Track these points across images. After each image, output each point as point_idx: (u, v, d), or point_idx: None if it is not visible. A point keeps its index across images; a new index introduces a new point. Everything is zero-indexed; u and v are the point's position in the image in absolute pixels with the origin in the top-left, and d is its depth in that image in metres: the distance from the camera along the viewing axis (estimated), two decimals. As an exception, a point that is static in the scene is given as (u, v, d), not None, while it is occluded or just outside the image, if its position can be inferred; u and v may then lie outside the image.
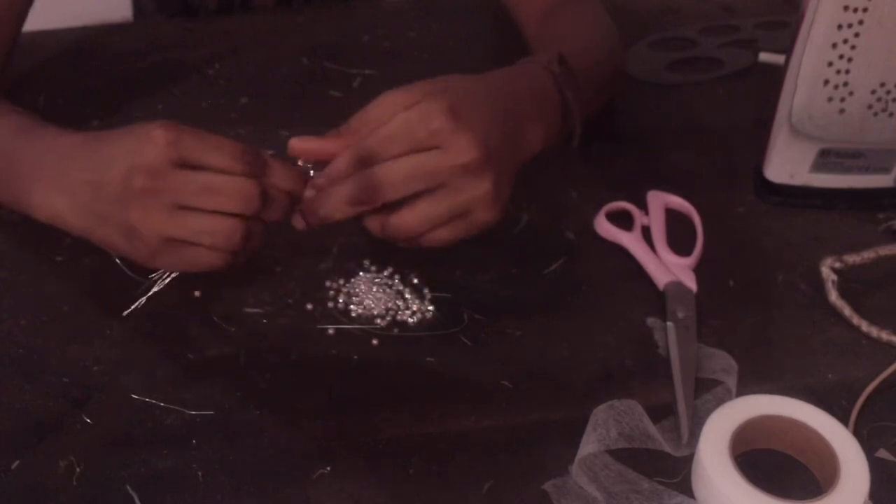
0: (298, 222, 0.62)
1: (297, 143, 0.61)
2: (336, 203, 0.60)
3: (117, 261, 0.71)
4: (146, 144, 0.58)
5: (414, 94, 0.61)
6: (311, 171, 0.62)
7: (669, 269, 0.73)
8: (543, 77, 0.70)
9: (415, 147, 0.58)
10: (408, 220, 0.60)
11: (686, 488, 0.59)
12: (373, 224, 0.61)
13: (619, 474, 0.60)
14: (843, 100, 0.73)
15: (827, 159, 0.77)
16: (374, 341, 0.68)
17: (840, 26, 0.70)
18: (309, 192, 0.61)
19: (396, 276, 0.73)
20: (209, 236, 0.60)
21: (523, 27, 0.90)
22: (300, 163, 0.62)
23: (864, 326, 0.69)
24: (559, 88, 0.70)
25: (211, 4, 1.08)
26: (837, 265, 0.72)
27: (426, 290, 0.72)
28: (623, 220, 0.78)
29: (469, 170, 0.59)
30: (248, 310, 0.70)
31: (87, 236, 0.65)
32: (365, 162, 0.59)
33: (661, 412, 0.63)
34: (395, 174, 0.59)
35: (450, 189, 0.59)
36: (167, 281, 0.64)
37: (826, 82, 0.73)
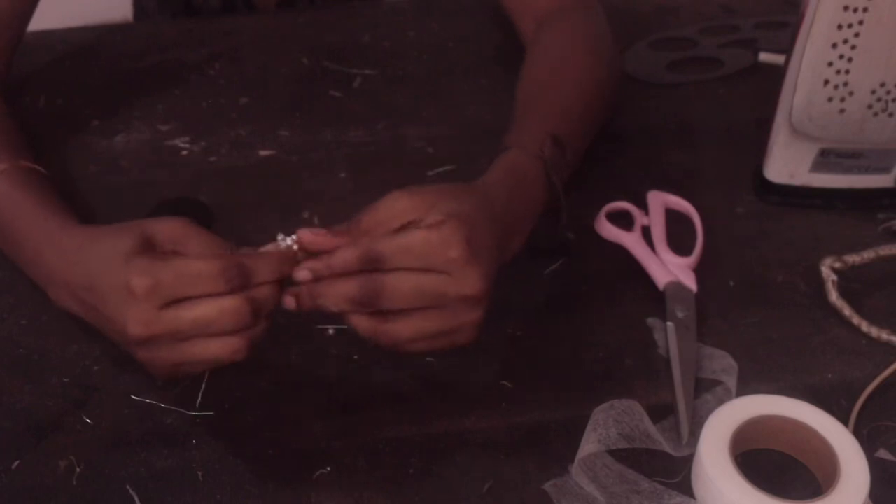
0: (290, 303, 0.61)
1: (308, 237, 0.60)
2: (335, 297, 0.59)
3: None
4: (129, 302, 0.57)
5: (427, 204, 0.60)
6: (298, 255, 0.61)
7: (669, 269, 0.73)
8: (535, 170, 0.70)
9: (427, 267, 0.59)
10: (400, 331, 0.60)
11: (686, 488, 0.59)
12: (361, 324, 0.61)
13: (619, 474, 0.60)
14: (843, 100, 0.73)
15: (827, 159, 0.77)
16: (374, 341, 0.68)
17: (840, 26, 0.70)
18: (303, 274, 0.60)
19: (396, 276, 0.73)
20: (217, 352, 0.58)
21: (520, 34, 0.89)
22: (295, 246, 0.60)
23: (864, 326, 0.69)
24: (547, 175, 0.70)
25: (213, 4, 1.08)
26: (837, 265, 0.72)
27: (426, 290, 0.72)
28: (623, 220, 0.78)
29: (470, 301, 0.60)
30: (248, 310, 0.70)
31: None
32: (372, 263, 0.59)
33: (661, 412, 0.63)
34: (402, 288, 0.59)
35: (446, 312, 0.60)
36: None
37: (826, 82, 0.73)
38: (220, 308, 0.57)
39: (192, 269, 0.56)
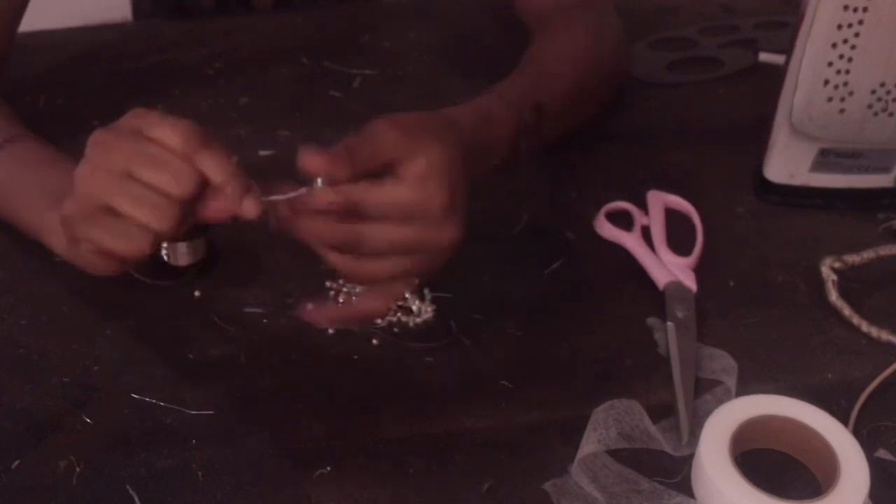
0: (251, 211, 0.59)
1: (311, 160, 0.60)
2: (314, 235, 0.60)
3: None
4: (83, 161, 0.59)
5: (414, 143, 0.61)
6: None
7: (669, 269, 0.73)
8: (504, 112, 0.72)
9: (408, 220, 0.60)
10: (374, 270, 0.62)
11: (686, 488, 0.59)
12: (335, 260, 0.62)
13: (619, 474, 0.60)
14: (843, 100, 0.73)
15: (827, 159, 0.77)
16: (374, 341, 0.68)
17: (840, 26, 0.70)
18: (283, 210, 0.60)
19: (396, 276, 0.73)
20: (148, 210, 0.58)
21: (527, 27, 0.90)
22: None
23: (864, 326, 0.69)
24: (517, 138, 0.72)
25: (206, 4, 1.07)
26: (837, 265, 0.72)
27: (426, 291, 0.72)
28: (623, 220, 0.78)
29: (446, 250, 0.62)
30: (248, 310, 0.71)
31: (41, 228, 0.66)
32: (353, 210, 0.60)
33: (661, 412, 0.63)
34: (382, 238, 0.60)
35: (422, 255, 0.62)
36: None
37: (826, 82, 0.73)
38: (180, 164, 0.57)
39: (172, 120, 0.58)
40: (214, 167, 0.58)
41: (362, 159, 0.60)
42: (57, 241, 0.64)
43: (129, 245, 0.58)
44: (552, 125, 0.76)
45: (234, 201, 0.59)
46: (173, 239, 0.62)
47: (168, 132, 0.58)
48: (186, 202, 0.58)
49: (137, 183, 0.57)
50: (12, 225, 0.72)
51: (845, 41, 0.71)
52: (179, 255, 0.65)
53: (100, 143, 0.59)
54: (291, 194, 0.60)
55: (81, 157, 0.60)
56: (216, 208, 0.59)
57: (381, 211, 0.60)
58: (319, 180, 0.59)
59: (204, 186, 0.58)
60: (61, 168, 0.69)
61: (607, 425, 0.62)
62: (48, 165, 0.71)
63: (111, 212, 0.58)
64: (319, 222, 0.60)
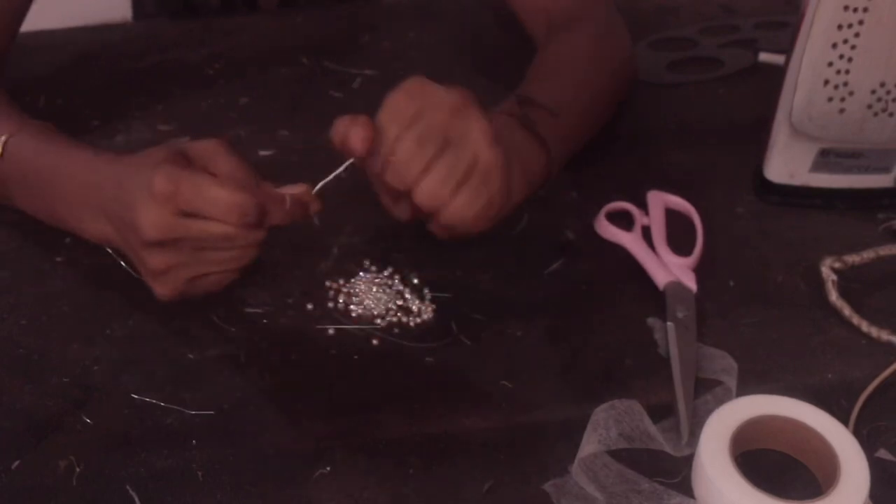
0: (316, 209, 0.65)
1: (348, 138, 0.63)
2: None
3: (120, 261, 0.71)
4: (148, 204, 0.60)
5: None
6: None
7: (669, 269, 0.73)
8: (542, 161, 0.73)
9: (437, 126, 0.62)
10: (427, 183, 0.62)
11: (686, 488, 0.59)
12: (403, 212, 0.65)
13: (619, 474, 0.60)
14: (843, 100, 0.73)
15: (827, 159, 0.77)
16: (374, 341, 0.68)
17: (840, 26, 0.70)
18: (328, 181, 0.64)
19: (396, 276, 0.73)
20: (231, 264, 0.64)
21: (531, 35, 0.90)
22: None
23: (864, 326, 0.69)
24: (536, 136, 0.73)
25: (213, 3, 1.08)
26: (837, 265, 0.72)
27: (426, 290, 0.72)
28: (623, 220, 0.78)
29: (459, 112, 0.62)
30: (248, 310, 0.71)
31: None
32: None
33: (661, 412, 0.63)
34: (406, 150, 0.62)
35: (452, 144, 0.62)
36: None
37: (826, 82, 0.73)
38: (230, 233, 0.61)
39: (213, 193, 0.60)
40: (277, 221, 0.63)
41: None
42: (101, 243, 0.68)
43: (226, 284, 0.65)
44: (570, 113, 0.76)
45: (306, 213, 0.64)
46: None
47: (222, 213, 0.60)
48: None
49: (214, 252, 0.62)
50: (36, 210, 0.72)
51: (845, 41, 0.71)
52: None
53: (158, 242, 0.61)
54: (338, 171, 0.64)
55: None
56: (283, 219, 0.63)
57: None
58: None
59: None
60: (80, 160, 0.70)
61: (607, 425, 0.62)
62: (67, 156, 0.71)
63: (202, 276, 0.63)
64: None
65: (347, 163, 0.63)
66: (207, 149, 0.62)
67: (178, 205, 0.59)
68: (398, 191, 0.62)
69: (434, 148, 0.61)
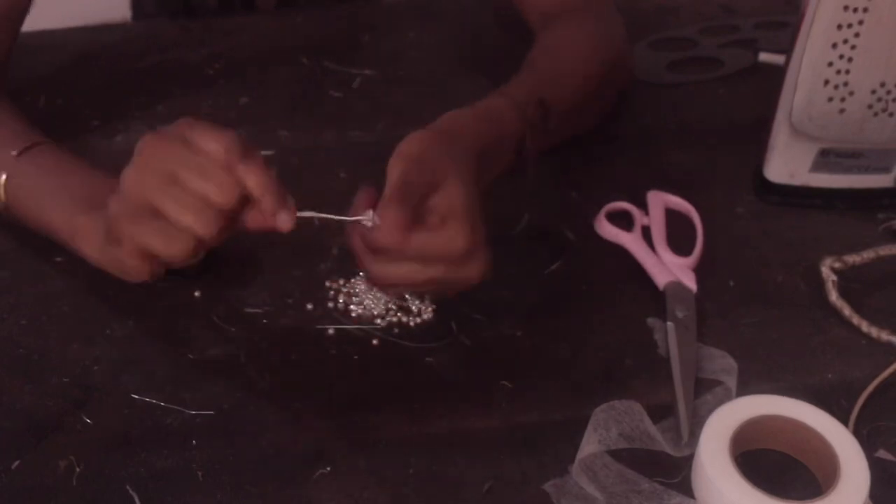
0: (284, 224, 0.62)
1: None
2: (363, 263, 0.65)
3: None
4: (133, 164, 0.61)
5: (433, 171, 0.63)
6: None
7: (669, 269, 0.73)
8: (509, 113, 0.73)
9: (436, 261, 0.63)
10: (392, 274, 0.63)
11: (686, 488, 0.59)
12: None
13: (619, 474, 0.60)
14: (843, 100, 0.73)
15: (827, 159, 0.78)
16: (374, 341, 0.68)
17: (840, 26, 0.70)
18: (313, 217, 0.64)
19: (396, 276, 0.73)
20: (192, 215, 0.60)
21: (530, 28, 0.90)
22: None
23: (864, 326, 0.69)
24: (523, 136, 0.73)
25: (211, 4, 1.08)
26: (837, 265, 0.72)
27: (426, 290, 0.72)
28: (623, 220, 0.78)
29: (474, 282, 0.64)
30: (248, 310, 0.71)
31: (82, 237, 0.67)
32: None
33: (661, 412, 0.63)
34: (411, 279, 0.63)
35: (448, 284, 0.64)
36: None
37: (826, 82, 0.73)
38: (224, 176, 0.60)
39: (218, 132, 0.60)
40: (253, 180, 0.60)
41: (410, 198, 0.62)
42: (89, 246, 0.66)
43: (172, 246, 0.60)
44: (558, 123, 0.77)
45: (269, 215, 0.61)
46: (215, 245, 0.63)
47: (212, 143, 0.60)
48: (228, 212, 0.60)
49: (183, 189, 0.60)
50: (38, 230, 0.72)
51: (845, 41, 0.71)
52: None
53: (148, 147, 0.61)
54: (332, 217, 0.63)
55: (97, 162, 0.61)
56: (253, 220, 0.62)
57: (407, 253, 0.62)
58: (371, 212, 0.62)
59: (245, 198, 0.61)
60: (87, 174, 0.71)
61: (607, 425, 0.62)
62: (72, 171, 0.72)
63: (156, 214, 0.60)
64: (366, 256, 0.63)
65: (351, 218, 0.63)
66: (188, 125, 0.62)
67: (185, 131, 0.60)
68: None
69: (428, 287, 0.64)
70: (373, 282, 0.67)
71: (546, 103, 0.75)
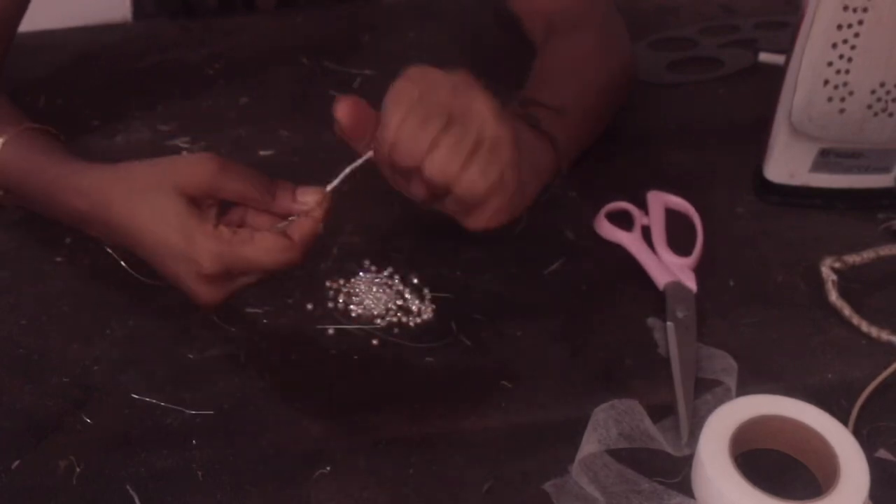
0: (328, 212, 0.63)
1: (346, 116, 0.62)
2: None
3: (120, 261, 0.71)
4: (199, 281, 0.61)
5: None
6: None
7: (669, 269, 0.73)
8: (550, 169, 0.73)
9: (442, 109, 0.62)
10: (436, 157, 0.60)
11: (686, 488, 0.59)
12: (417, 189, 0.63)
13: (619, 474, 0.60)
14: (843, 100, 0.73)
15: (827, 159, 0.77)
16: (374, 341, 0.68)
17: (840, 26, 0.70)
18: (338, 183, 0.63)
19: (396, 276, 0.73)
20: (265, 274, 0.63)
21: (530, 34, 0.89)
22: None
23: (864, 326, 0.69)
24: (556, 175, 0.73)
25: (211, 4, 1.08)
26: (837, 265, 0.72)
27: (426, 290, 0.72)
28: (623, 220, 0.78)
29: (461, 90, 0.63)
30: (248, 310, 0.70)
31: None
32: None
33: (661, 412, 0.63)
34: (412, 128, 0.61)
35: (457, 120, 0.61)
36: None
37: (826, 82, 0.73)
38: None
39: (259, 259, 0.60)
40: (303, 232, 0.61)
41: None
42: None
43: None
44: (575, 111, 0.76)
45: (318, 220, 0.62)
46: None
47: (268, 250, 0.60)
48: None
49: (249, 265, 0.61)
50: (34, 209, 0.72)
51: (845, 41, 0.71)
52: None
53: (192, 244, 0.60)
54: (347, 171, 0.63)
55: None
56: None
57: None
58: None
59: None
60: (77, 166, 0.69)
61: (607, 425, 0.62)
62: (60, 168, 0.70)
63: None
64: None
65: (363, 158, 0.63)
66: (204, 182, 0.61)
67: (228, 272, 0.61)
68: (408, 170, 0.61)
69: (439, 124, 0.60)
70: (403, 158, 0.62)
71: (533, 100, 0.75)
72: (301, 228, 0.61)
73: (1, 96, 0.78)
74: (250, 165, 0.83)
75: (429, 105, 0.61)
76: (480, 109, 0.61)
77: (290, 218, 0.62)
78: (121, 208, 0.63)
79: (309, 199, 0.62)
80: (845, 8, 0.69)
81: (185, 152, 0.85)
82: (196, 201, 0.61)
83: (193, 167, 0.61)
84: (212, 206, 0.62)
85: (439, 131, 0.60)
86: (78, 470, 0.60)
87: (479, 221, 0.63)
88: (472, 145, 0.60)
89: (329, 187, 0.62)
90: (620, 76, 0.85)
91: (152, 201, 0.61)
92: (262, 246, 0.60)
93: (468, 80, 0.62)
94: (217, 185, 0.61)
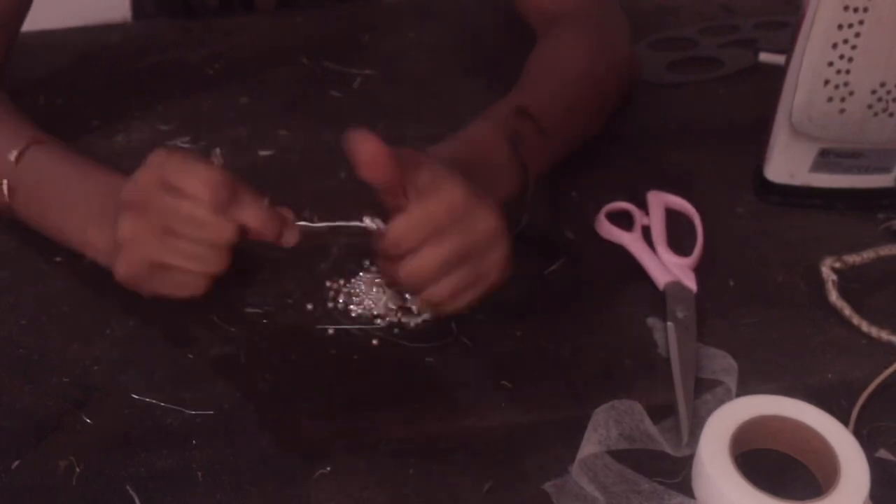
0: (290, 241, 0.64)
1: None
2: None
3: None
4: (141, 167, 0.62)
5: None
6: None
7: (669, 269, 0.73)
8: (497, 140, 0.72)
9: (439, 228, 0.61)
10: (436, 290, 0.63)
11: (686, 488, 0.59)
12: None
13: (619, 474, 0.60)
14: (843, 100, 0.73)
15: (827, 159, 0.77)
16: (374, 341, 0.68)
17: (840, 26, 0.70)
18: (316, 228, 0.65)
19: (396, 276, 0.73)
20: (199, 262, 0.62)
21: (532, 27, 0.90)
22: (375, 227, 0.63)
23: (864, 326, 0.69)
24: (511, 146, 0.72)
25: (211, 4, 1.08)
26: (837, 265, 0.72)
27: (426, 290, 0.72)
28: (623, 220, 0.78)
29: (490, 237, 0.63)
30: (248, 310, 0.71)
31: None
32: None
33: (661, 412, 0.63)
34: (431, 262, 0.62)
35: (472, 262, 0.63)
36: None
37: (826, 82, 0.73)
38: (212, 219, 0.60)
39: (195, 166, 0.60)
40: (249, 217, 0.62)
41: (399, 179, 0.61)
42: (103, 262, 0.67)
43: (187, 290, 0.64)
44: (557, 133, 0.76)
45: (275, 239, 0.63)
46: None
47: (197, 188, 0.60)
48: (231, 244, 0.62)
49: (182, 239, 0.61)
50: (44, 232, 0.72)
51: (845, 41, 0.71)
52: None
53: (133, 205, 0.62)
54: (329, 224, 0.64)
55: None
56: (257, 236, 0.63)
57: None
58: (367, 219, 0.63)
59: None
60: (91, 174, 0.71)
61: (608, 426, 0.62)
62: (78, 170, 0.72)
63: (163, 266, 0.62)
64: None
65: (352, 223, 0.64)
66: (163, 166, 0.62)
67: (163, 174, 0.60)
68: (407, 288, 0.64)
69: (455, 266, 0.62)
70: (408, 286, 0.64)
71: (526, 111, 0.74)
72: (248, 203, 0.61)
73: (9, 103, 0.78)
74: (250, 165, 0.84)
75: (455, 245, 0.61)
76: (497, 261, 0.64)
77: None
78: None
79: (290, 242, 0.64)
80: (845, 8, 0.69)
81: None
82: None
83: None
84: None
85: (451, 269, 0.62)
86: (78, 470, 0.60)
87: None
88: (472, 282, 0.64)
89: (301, 224, 0.64)
90: (618, 72, 0.85)
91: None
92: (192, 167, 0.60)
93: (501, 228, 0.63)
94: (226, 177, 0.61)
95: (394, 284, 0.65)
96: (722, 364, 0.66)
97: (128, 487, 0.59)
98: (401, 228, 0.61)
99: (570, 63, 0.81)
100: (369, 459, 0.61)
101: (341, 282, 0.72)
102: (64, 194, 0.71)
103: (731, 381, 0.65)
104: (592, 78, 0.81)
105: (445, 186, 0.61)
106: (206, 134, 0.87)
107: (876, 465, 0.58)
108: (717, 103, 0.93)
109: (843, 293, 0.71)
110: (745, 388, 0.65)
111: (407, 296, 0.71)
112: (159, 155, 0.62)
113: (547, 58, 0.82)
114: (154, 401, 0.64)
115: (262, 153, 0.85)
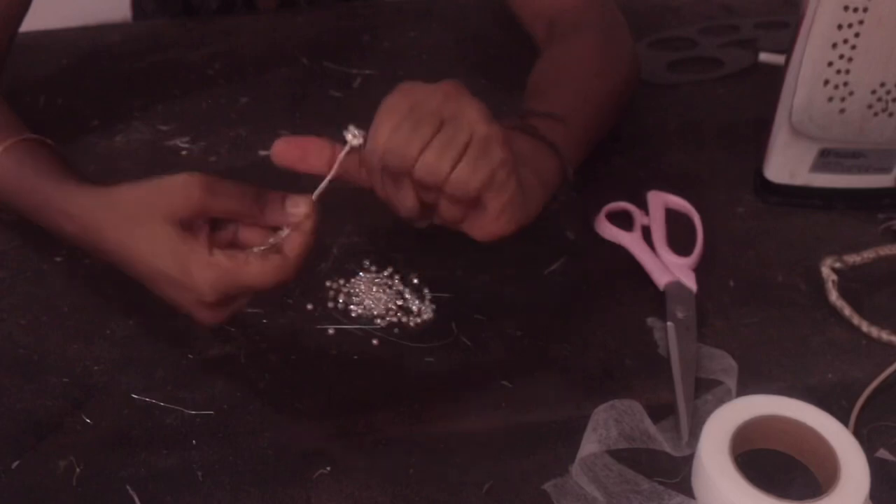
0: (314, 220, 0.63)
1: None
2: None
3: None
4: (199, 307, 0.61)
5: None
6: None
7: (669, 269, 0.73)
8: (556, 177, 0.72)
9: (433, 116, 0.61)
10: (425, 157, 0.60)
11: (686, 488, 0.59)
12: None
13: (619, 474, 0.60)
14: (843, 100, 0.73)
15: (827, 159, 0.77)
16: (374, 341, 0.69)
17: (840, 26, 0.70)
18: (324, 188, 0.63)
19: (396, 276, 0.73)
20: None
21: (532, 36, 0.89)
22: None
23: (864, 326, 0.69)
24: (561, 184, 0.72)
25: (211, 4, 1.08)
26: (837, 265, 0.72)
27: (426, 290, 0.72)
28: (623, 220, 0.78)
29: (451, 97, 0.62)
30: (248, 310, 0.70)
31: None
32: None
33: (661, 412, 0.63)
34: (404, 133, 0.61)
35: (448, 123, 0.61)
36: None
37: (826, 82, 0.73)
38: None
39: (255, 280, 0.60)
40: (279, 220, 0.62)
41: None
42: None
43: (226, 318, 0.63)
44: (588, 132, 0.76)
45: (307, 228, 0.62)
46: None
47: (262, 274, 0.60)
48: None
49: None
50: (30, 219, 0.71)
51: (845, 41, 0.71)
52: None
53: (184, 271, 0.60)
54: (329, 178, 0.62)
55: (97, 163, 0.61)
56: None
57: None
58: (351, 127, 0.63)
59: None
60: (58, 190, 0.68)
61: (608, 425, 0.62)
62: (51, 182, 0.69)
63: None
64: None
65: (342, 154, 0.62)
66: (193, 204, 0.60)
67: (227, 296, 0.61)
68: (399, 173, 0.61)
69: (431, 129, 0.60)
70: (393, 162, 0.61)
71: (553, 116, 0.74)
72: (294, 245, 0.61)
73: (1, 103, 0.78)
74: (250, 165, 0.84)
75: (420, 113, 0.61)
76: (470, 113, 0.61)
77: (282, 232, 0.61)
78: (113, 237, 0.62)
79: (300, 210, 0.61)
80: (845, 8, 0.69)
81: (184, 152, 0.85)
82: (187, 223, 0.60)
83: (180, 191, 0.60)
84: (203, 225, 0.60)
85: (430, 136, 0.60)
86: (78, 470, 0.60)
87: (484, 228, 0.63)
88: (462, 145, 0.60)
89: (315, 195, 0.61)
90: (623, 78, 0.84)
91: (143, 232, 0.60)
92: (258, 270, 0.59)
93: (458, 88, 0.62)
94: (205, 205, 0.59)
95: (388, 198, 0.63)
96: (722, 364, 0.66)
97: (128, 487, 0.59)
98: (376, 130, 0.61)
99: (578, 71, 0.80)
100: (369, 459, 0.61)
101: (341, 282, 0.72)
102: (40, 214, 0.69)
103: (731, 381, 0.65)
104: (600, 84, 0.81)
105: (398, 88, 0.62)
106: (206, 134, 0.87)
107: (876, 465, 0.58)
108: (717, 103, 0.93)
109: (843, 293, 0.71)
110: (745, 388, 0.65)
111: (407, 295, 0.71)
112: (213, 294, 0.60)
113: (552, 68, 0.81)
114: (154, 401, 0.64)
115: (263, 153, 0.85)
